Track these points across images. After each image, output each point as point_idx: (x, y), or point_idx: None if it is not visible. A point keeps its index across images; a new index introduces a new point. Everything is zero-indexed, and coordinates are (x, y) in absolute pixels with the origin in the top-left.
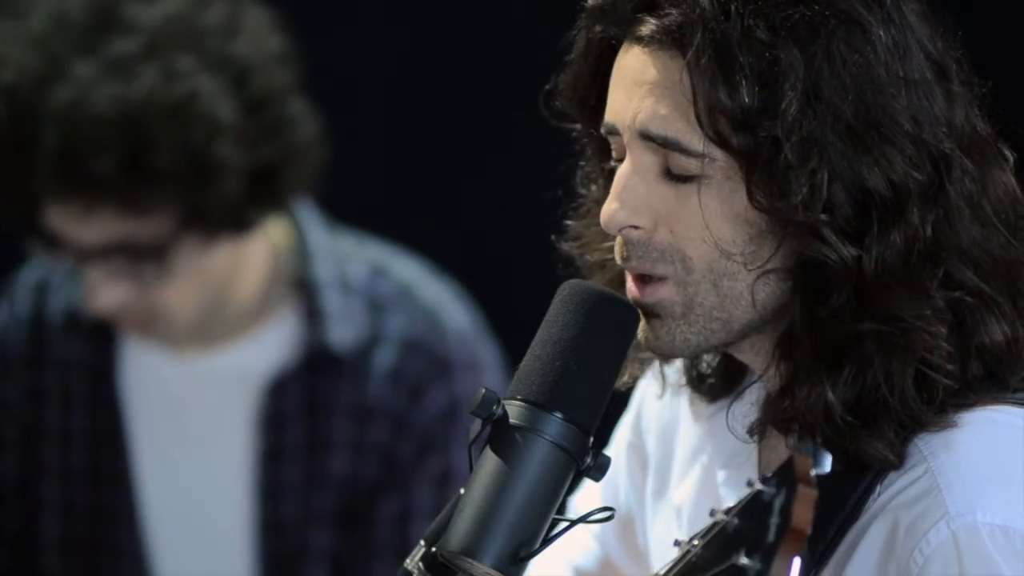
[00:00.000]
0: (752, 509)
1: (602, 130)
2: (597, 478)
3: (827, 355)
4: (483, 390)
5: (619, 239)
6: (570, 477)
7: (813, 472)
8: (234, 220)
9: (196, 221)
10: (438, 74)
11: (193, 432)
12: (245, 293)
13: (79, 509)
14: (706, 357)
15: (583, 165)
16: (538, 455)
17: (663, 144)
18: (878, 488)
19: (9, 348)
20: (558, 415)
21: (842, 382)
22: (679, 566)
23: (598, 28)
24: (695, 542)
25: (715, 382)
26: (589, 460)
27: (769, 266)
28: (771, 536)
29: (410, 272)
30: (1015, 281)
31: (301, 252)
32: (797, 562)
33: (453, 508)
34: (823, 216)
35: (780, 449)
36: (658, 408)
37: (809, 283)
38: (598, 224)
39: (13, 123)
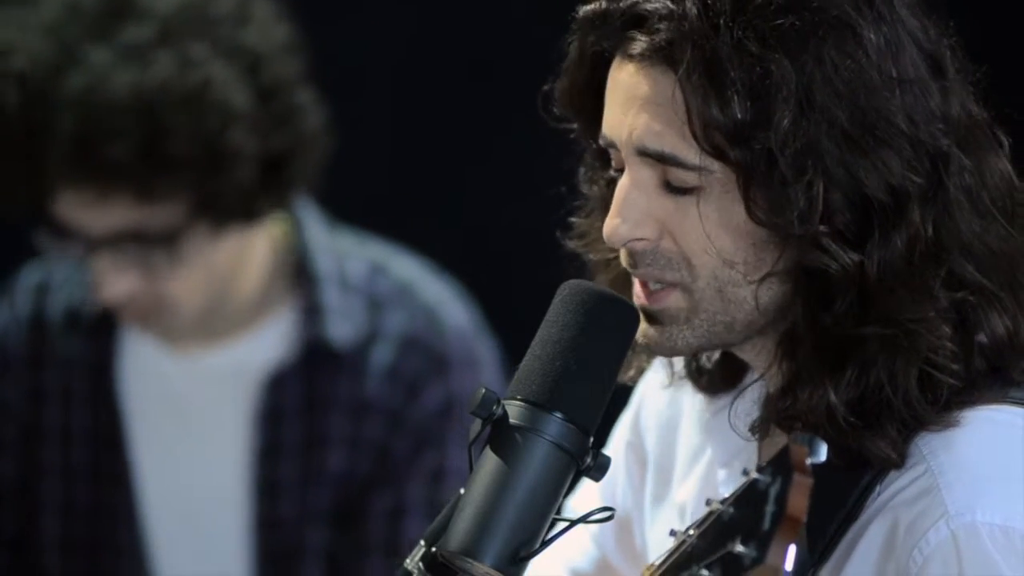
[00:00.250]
0: (748, 498)
1: (600, 142)
2: (597, 478)
3: (829, 356)
4: (483, 390)
5: (623, 249)
6: (570, 477)
7: (809, 461)
8: (244, 209)
9: (207, 209)
10: (441, 70)
11: (192, 429)
12: (246, 288)
13: (79, 508)
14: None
15: (583, 167)
16: (538, 455)
17: (660, 159)
18: (878, 487)
19: (9, 348)
20: (558, 415)
21: (844, 383)
22: (675, 555)
23: (591, 39)
24: (691, 532)
25: (714, 376)
26: (589, 460)
27: (771, 272)
28: (767, 524)
29: (410, 270)
30: (1015, 273)
31: (301, 248)
32: (792, 549)
33: (453, 508)
34: (822, 227)
35: (777, 446)
36: (658, 406)
37: (811, 288)
38: (601, 223)
39: (26, 110)
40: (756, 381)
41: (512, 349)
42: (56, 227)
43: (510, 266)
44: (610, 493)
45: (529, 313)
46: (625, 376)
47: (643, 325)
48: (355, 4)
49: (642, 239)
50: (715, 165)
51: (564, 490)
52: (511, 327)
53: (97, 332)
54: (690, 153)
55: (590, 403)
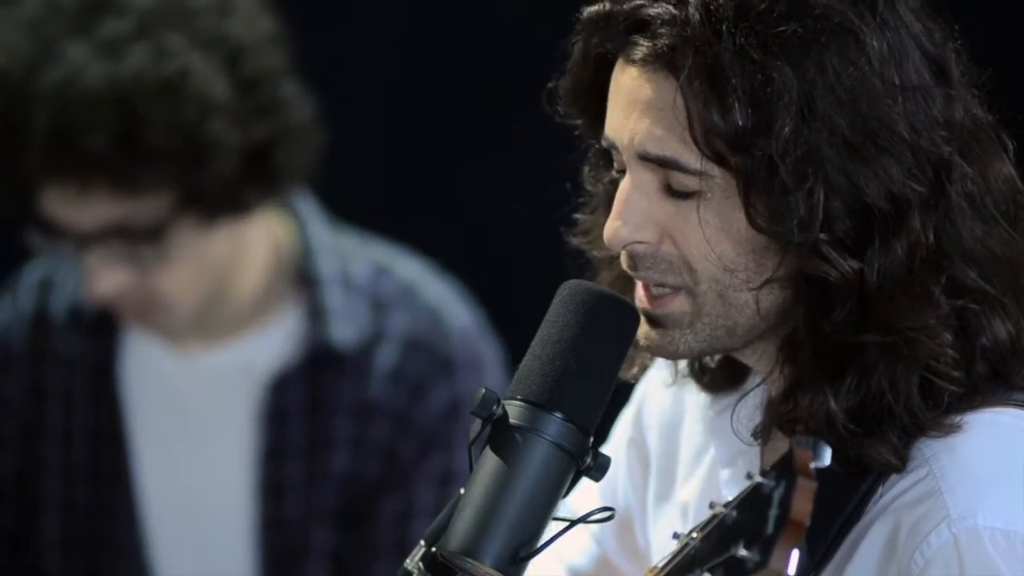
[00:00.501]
0: (751, 501)
1: (603, 143)
2: (597, 478)
3: (829, 363)
4: (483, 390)
5: (624, 251)
6: (570, 477)
7: (813, 465)
8: (230, 201)
9: (192, 202)
10: (438, 70)
11: (194, 429)
12: (247, 287)
13: (79, 507)
14: None
15: (587, 165)
16: (538, 455)
17: (661, 164)
18: (879, 489)
19: (11, 345)
20: (558, 415)
21: (845, 390)
22: (678, 559)
23: (594, 40)
24: (694, 535)
25: (717, 375)
26: (589, 460)
27: (772, 278)
28: (770, 528)
29: (413, 271)
30: (1017, 278)
31: (303, 249)
32: (796, 554)
33: (453, 508)
34: (822, 235)
35: (780, 448)
36: (661, 404)
37: (811, 295)
38: (605, 220)
39: (5, 107)
40: (759, 385)
41: (512, 349)
42: (44, 225)
43: (509, 266)
44: (611, 491)
45: (529, 313)
46: (628, 374)
47: (645, 328)
48: (349, 6)
49: (642, 242)
50: (716, 170)
51: (564, 490)
52: (511, 327)
53: (99, 331)
54: (691, 158)
55: (590, 403)
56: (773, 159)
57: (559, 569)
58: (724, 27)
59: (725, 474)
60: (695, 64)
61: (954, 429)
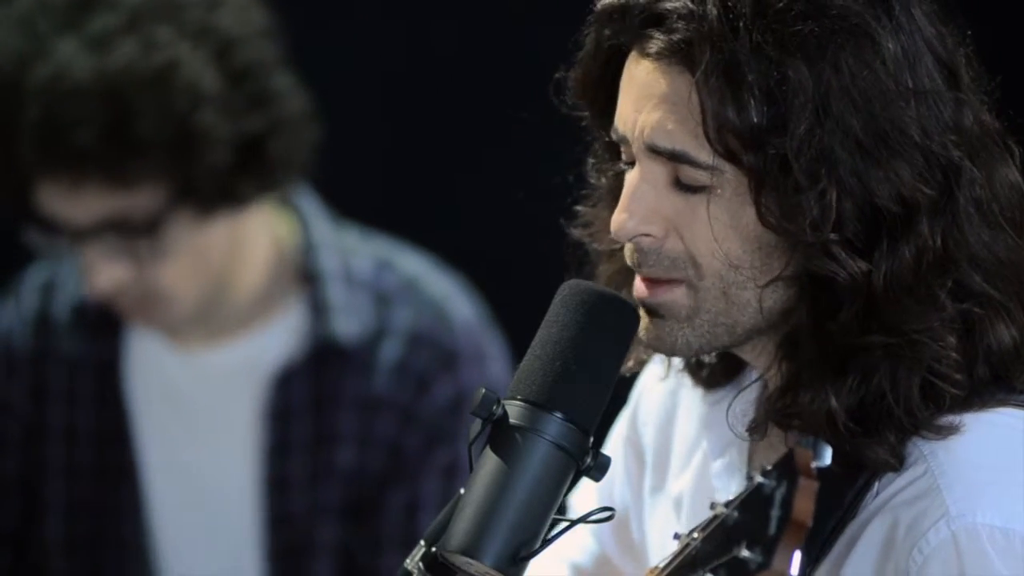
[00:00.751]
0: (753, 502)
1: (612, 135)
2: (597, 478)
3: (832, 362)
4: (483, 390)
5: (629, 245)
6: (570, 477)
7: (814, 464)
8: (226, 194)
9: (187, 195)
10: (436, 69)
11: (199, 427)
12: (248, 283)
13: (84, 507)
14: None
15: (593, 159)
16: (538, 455)
17: (671, 157)
18: (876, 486)
19: (14, 347)
20: (558, 415)
21: (846, 389)
22: (679, 559)
23: (607, 32)
24: (695, 535)
25: (714, 370)
26: (589, 460)
27: (778, 277)
28: (772, 528)
29: (415, 265)
30: (1022, 284)
31: (305, 245)
32: (798, 555)
33: (453, 508)
34: (832, 235)
35: (771, 441)
36: (657, 400)
37: (817, 295)
38: (608, 213)
39: None
40: (756, 381)
41: (512, 349)
42: (41, 221)
43: (510, 264)
44: (608, 489)
45: (529, 313)
46: (625, 367)
47: (644, 320)
48: (347, 7)
49: (648, 235)
50: (727, 166)
51: (564, 490)
52: (510, 328)
53: (102, 331)
54: (702, 152)
55: (590, 403)
56: (787, 157)
57: (560, 567)
58: (741, 24)
59: (717, 465)
60: (712, 60)
61: (952, 430)
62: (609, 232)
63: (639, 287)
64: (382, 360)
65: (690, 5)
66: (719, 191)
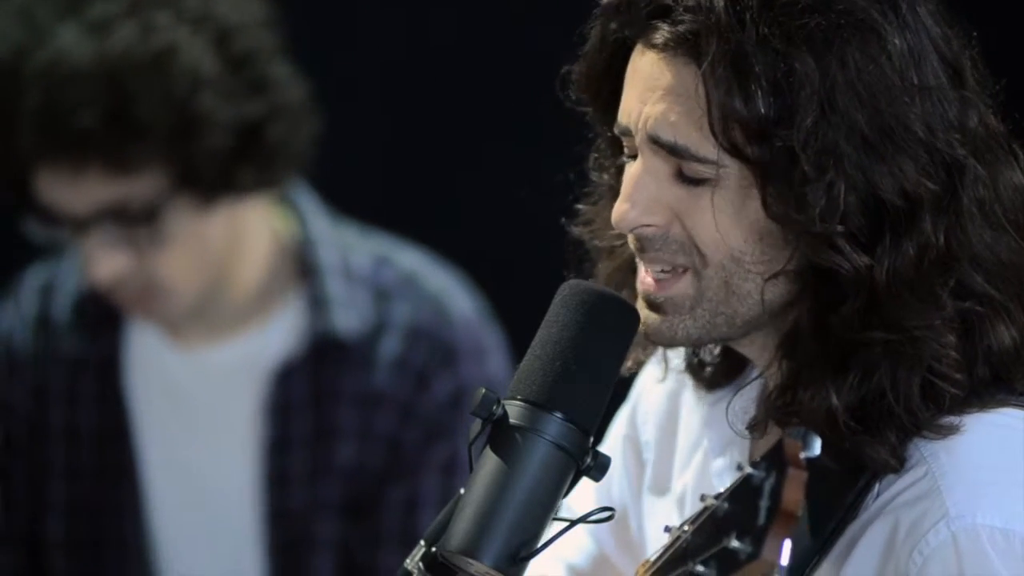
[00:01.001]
0: (742, 492)
1: (615, 129)
2: (597, 478)
3: (833, 359)
4: (483, 390)
5: (631, 235)
6: (570, 477)
7: (803, 455)
8: (225, 181)
9: (187, 182)
10: (436, 66)
11: (199, 424)
12: (248, 279)
13: (85, 505)
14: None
15: (595, 154)
16: (538, 455)
17: (672, 151)
18: (876, 487)
19: (15, 348)
20: (558, 415)
21: (847, 387)
22: (669, 552)
23: (613, 26)
24: (685, 527)
25: (716, 370)
26: (589, 460)
27: (781, 270)
28: (761, 519)
29: (414, 261)
30: (1023, 286)
31: (304, 241)
32: (788, 544)
33: (453, 508)
34: (838, 227)
35: (772, 439)
36: (657, 400)
37: (819, 289)
38: (609, 210)
39: None
40: (756, 379)
41: (512, 348)
42: (41, 211)
43: (510, 264)
44: (606, 488)
45: (529, 312)
46: (624, 367)
47: (645, 313)
48: (349, 6)
49: (651, 225)
50: (730, 161)
51: (564, 490)
52: (511, 326)
53: (102, 330)
54: (705, 146)
55: (590, 403)
56: (793, 149)
57: (558, 568)
58: (748, 16)
59: (718, 464)
60: (718, 51)
61: (952, 430)
62: (610, 229)
63: (646, 281)
64: (382, 355)
65: None
66: (722, 183)
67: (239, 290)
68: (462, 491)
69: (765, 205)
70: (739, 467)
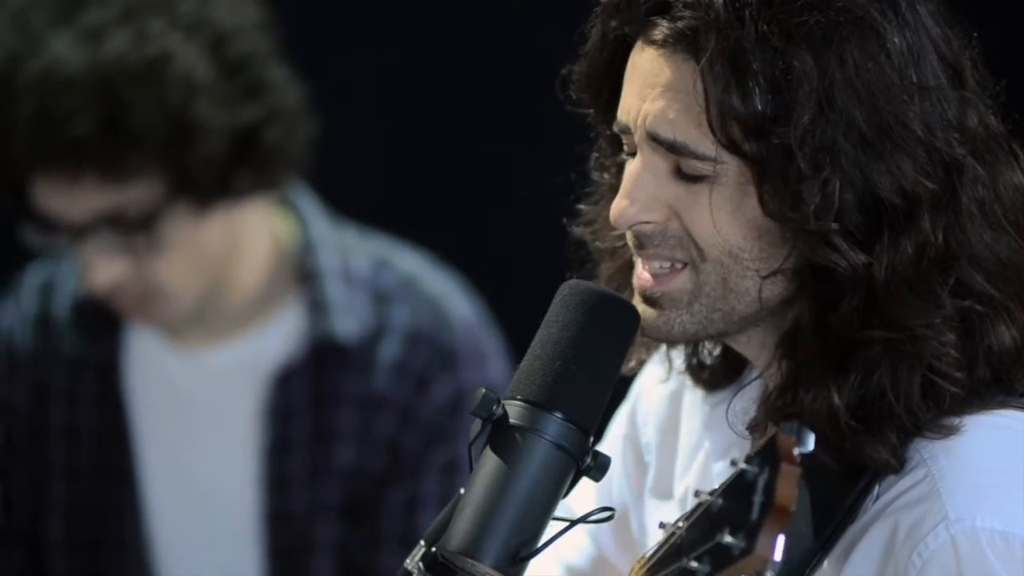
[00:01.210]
0: (736, 488)
1: (615, 126)
2: (597, 478)
3: (833, 358)
4: (483, 390)
5: (630, 232)
6: (570, 477)
7: (796, 450)
8: (222, 187)
9: (183, 188)
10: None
11: (199, 426)
12: (247, 282)
13: (84, 506)
14: (707, 345)
15: (596, 153)
16: (538, 455)
17: (671, 148)
18: (876, 489)
19: (15, 347)
20: (558, 415)
21: (848, 386)
22: (664, 548)
23: (613, 24)
24: (679, 524)
25: (715, 371)
26: (589, 460)
27: (779, 269)
28: (755, 514)
29: (413, 264)
30: (1023, 285)
31: (304, 244)
32: (781, 539)
33: (453, 508)
34: (834, 225)
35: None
36: (657, 400)
37: (818, 287)
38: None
39: None
40: (756, 379)
41: (512, 350)
42: (38, 220)
43: (510, 266)
44: (606, 487)
45: (529, 313)
46: (625, 368)
47: (642, 308)
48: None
49: (649, 222)
50: (728, 157)
51: (564, 490)
52: (510, 328)
53: (102, 331)
54: (703, 143)
55: (590, 403)
56: (790, 147)
57: (556, 568)
58: (747, 13)
59: (719, 466)
60: (717, 47)
61: (953, 431)
62: (612, 230)
63: (643, 276)
64: (381, 359)
65: None
66: (721, 180)
67: (238, 293)
68: (462, 491)
69: (762, 202)
70: (732, 463)
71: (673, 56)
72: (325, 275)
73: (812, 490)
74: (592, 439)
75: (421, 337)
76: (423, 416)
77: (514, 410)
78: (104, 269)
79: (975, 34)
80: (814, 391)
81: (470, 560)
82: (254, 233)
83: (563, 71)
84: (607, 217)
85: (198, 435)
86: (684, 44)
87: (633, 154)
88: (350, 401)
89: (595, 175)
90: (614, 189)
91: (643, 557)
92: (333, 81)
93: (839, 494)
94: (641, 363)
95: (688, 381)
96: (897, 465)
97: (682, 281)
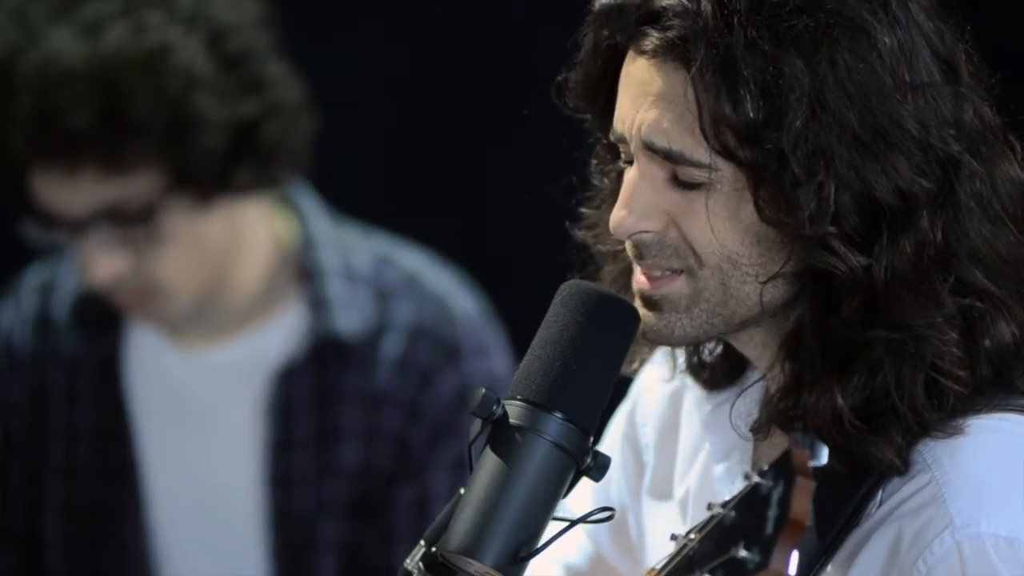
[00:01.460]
0: (750, 502)
1: (611, 136)
2: (597, 478)
3: (836, 359)
4: (483, 390)
5: (629, 241)
6: (570, 477)
7: (811, 464)
8: (221, 181)
9: (183, 182)
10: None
11: (201, 425)
12: (248, 279)
13: (84, 506)
14: (708, 344)
15: (595, 159)
16: (538, 455)
17: (666, 156)
18: (880, 494)
19: (15, 347)
20: (558, 415)
21: (851, 388)
22: (676, 560)
23: (605, 33)
24: (691, 536)
25: (716, 371)
26: (589, 460)
27: (779, 273)
28: (769, 528)
29: (415, 261)
30: (1023, 280)
31: (305, 242)
32: (796, 554)
33: (453, 508)
34: (831, 228)
35: (774, 443)
36: (657, 401)
37: (818, 290)
38: (610, 214)
39: None
40: (758, 382)
41: (514, 348)
42: (38, 214)
43: (510, 265)
44: (604, 487)
45: (530, 312)
46: (626, 369)
47: (642, 311)
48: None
49: (648, 231)
50: (724, 164)
51: (564, 490)
52: (512, 326)
53: (103, 330)
54: (699, 151)
55: (590, 403)
56: (783, 152)
57: (554, 568)
58: (736, 20)
59: (719, 469)
60: (707, 56)
61: (957, 431)
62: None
63: (640, 280)
64: (384, 355)
65: (685, 2)
66: (717, 187)
67: (239, 291)
68: (462, 491)
69: (758, 208)
70: (746, 476)
71: (664, 66)
72: (326, 273)
73: (816, 493)
74: (592, 439)
75: (424, 332)
76: (429, 411)
77: (514, 410)
78: (104, 263)
79: (968, 27)
80: (817, 393)
81: (470, 560)
82: (255, 231)
83: (559, 78)
84: (608, 220)
85: (200, 434)
86: (675, 53)
87: (630, 162)
88: (353, 398)
89: (595, 180)
90: (614, 194)
91: (653, 569)
92: (335, 78)
93: (843, 497)
94: (642, 362)
95: (689, 381)
96: (902, 467)
97: (679, 285)
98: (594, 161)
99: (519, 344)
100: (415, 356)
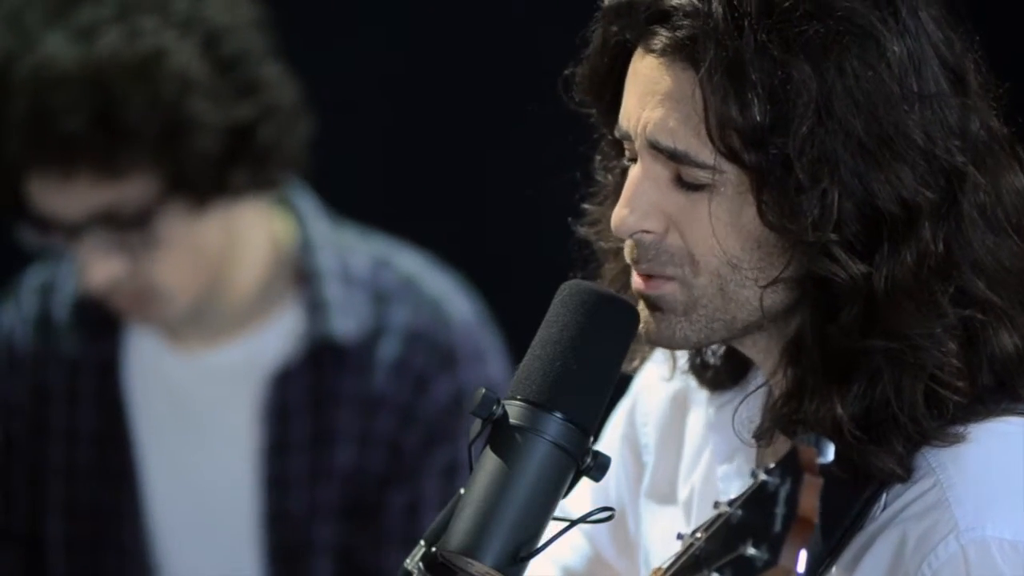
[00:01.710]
0: (757, 499)
1: (616, 133)
2: (597, 478)
3: (835, 368)
4: (483, 390)
5: (629, 241)
6: (570, 477)
7: (818, 461)
8: (217, 184)
9: (178, 186)
10: (437, 68)
11: (198, 427)
12: (245, 281)
13: (84, 507)
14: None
15: (599, 156)
16: (538, 455)
17: (671, 156)
18: (883, 498)
19: (15, 348)
20: (558, 415)
21: (851, 396)
22: (683, 559)
23: (614, 29)
24: (698, 535)
25: (719, 372)
26: (589, 460)
27: (779, 278)
28: (777, 526)
29: (413, 264)
30: None
31: (303, 244)
32: (804, 552)
33: (453, 508)
34: (833, 235)
35: (778, 446)
36: (658, 401)
37: (818, 297)
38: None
39: None
40: (762, 386)
41: (512, 349)
42: (34, 219)
43: (509, 268)
44: (603, 487)
45: (529, 313)
46: (627, 366)
47: (644, 314)
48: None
49: (649, 231)
50: (728, 166)
51: (564, 490)
52: (510, 327)
53: (102, 332)
54: (703, 152)
55: (590, 403)
56: (788, 157)
57: (552, 569)
58: (747, 23)
59: (723, 470)
60: (716, 57)
61: (959, 439)
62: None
63: (636, 280)
64: (380, 359)
65: (696, 2)
66: (720, 189)
67: (236, 293)
68: (462, 491)
69: (760, 212)
70: (753, 474)
71: (672, 65)
72: (324, 275)
73: (820, 496)
74: (592, 439)
75: (420, 337)
76: (423, 416)
77: (514, 410)
78: (100, 268)
79: (978, 37)
80: (818, 400)
81: (470, 560)
82: (252, 233)
83: (566, 72)
84: (610, 217)
85: (197, 436)
86: (683, 53)
87: (634, 160)
88: (349, 401)
89: (599, 176)
90: (617, 191)
91: (660, 568)
92: (333, 79)
93: (847, 500)
94: (643, 360)
95: (691, 382)
96: (904, 475)
97: (673, 289)
98: (598, 157)
99: (519, 346)
100: (411, 360)
